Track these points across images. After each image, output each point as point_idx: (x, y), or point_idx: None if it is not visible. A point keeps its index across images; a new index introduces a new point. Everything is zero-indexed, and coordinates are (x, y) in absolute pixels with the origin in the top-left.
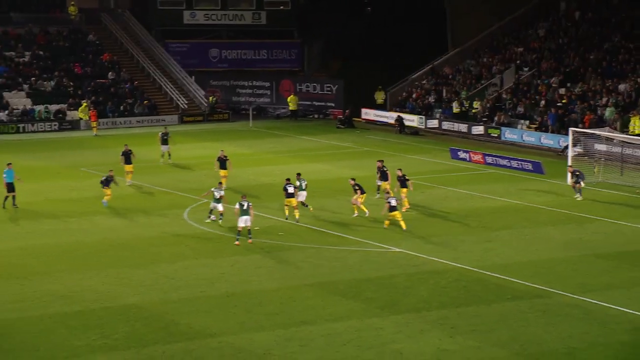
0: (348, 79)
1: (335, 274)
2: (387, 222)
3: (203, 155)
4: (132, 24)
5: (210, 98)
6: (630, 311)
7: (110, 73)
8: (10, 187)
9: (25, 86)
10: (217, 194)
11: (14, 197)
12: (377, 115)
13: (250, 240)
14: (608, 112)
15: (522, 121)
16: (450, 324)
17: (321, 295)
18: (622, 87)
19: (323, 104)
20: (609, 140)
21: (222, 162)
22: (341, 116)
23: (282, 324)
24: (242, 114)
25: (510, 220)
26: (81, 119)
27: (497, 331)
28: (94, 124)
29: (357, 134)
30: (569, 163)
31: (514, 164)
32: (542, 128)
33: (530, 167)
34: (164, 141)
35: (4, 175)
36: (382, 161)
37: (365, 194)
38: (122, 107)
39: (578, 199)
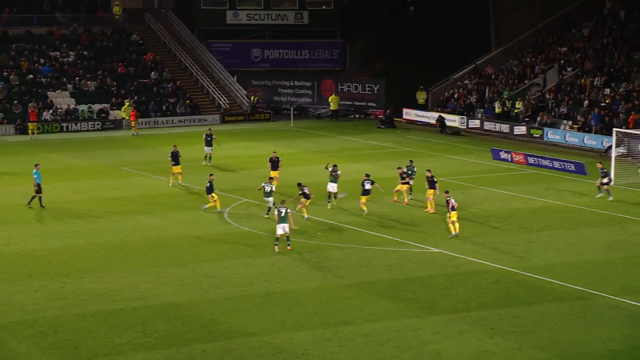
0: (389, 79)
1: (374, 274)
2: (450, 225)
3: (244, 154)
4: (175, 24)
5: (252, 98)
6: None
7: (153, 73)
8: (39, 188)
9: (69, 86)
10: (267, 188)
11: (40, 198)
12: (418, 116)
13: (289, 247)
14: None
15: (565, 121)
16: (490, 325)
17: (360, 295)
18: None
19: (364, 103)
20: None
21: (274, 163)
22: (382, 116)
23: (321, 323)
24: (283, 113)
25: (551, 221)
26: (124, 118)
27: (538, 333)
28: (133, 124)
29: (398, 134)
30: (612, 163)
31: (556, 164)
32: (585, 128)
33: (572, 167)
34: (208, 142)
35: (34, 176)
36: (411, 161)
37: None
38: (164, 107)
39: (609, 199)
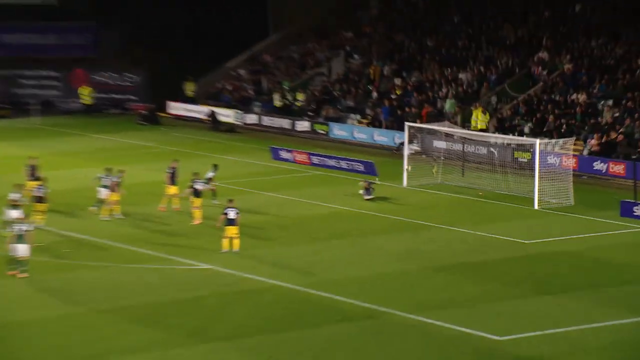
0: (152, 68)
1: (133, 297)
2: (225, 241)
3: None
4: None
5: None
6: (473, 332)
7: None
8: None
9: None
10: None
11: None
12: (186, 110)
13: (22, 275)
14: (448, 105)
15: (353, 115)
16: (270, 352)
17: (115, 322)
18: (462, 76)
19: (123, 96)
20: (449, 136)
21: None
22: (144, 111)
23: (67, 359)
24: (26, 109)
25: (339, 229)
26: None
27: (325, 359)
28: None
29: (163, 131)
30: (405, 163)
31: (344, 164)
32: (375, 123)
33: (361, 168)
34: None
35: None
36: (177, 161)
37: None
38: None
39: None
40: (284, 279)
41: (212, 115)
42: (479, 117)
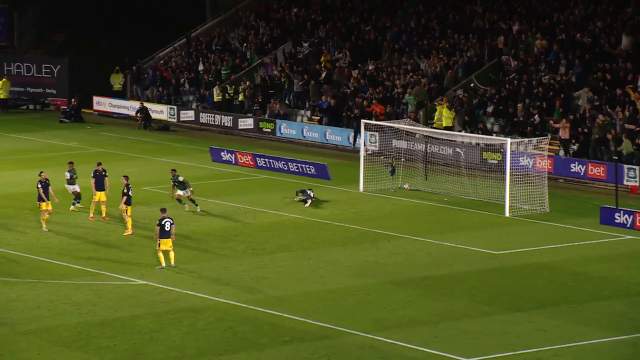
0: (74, 58)
1: (58, 317)
2: (161, 254)
3: None
4: None
5: None
6: (437, 352)
7: None
8: None
9: None
10: None
11: None
12: (114, 106)
13: None
14: (408, 100)
15: (303, 111)
16: None
17: (38, 346)
18: (424, 66)
19: (41, 90)
20: (410, 135)
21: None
22: (66, 107)
23: None
24: None
25: (287, 240)
26: None
27: None
28: None
29: (88, 129)
30: (361, 164)
31: (293, 167)
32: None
33: (312, 170)
34: None
35: None
36: (100, 164)
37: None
38: None
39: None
40: (226, 295)
41: (144, 111)
42: (443, 114)
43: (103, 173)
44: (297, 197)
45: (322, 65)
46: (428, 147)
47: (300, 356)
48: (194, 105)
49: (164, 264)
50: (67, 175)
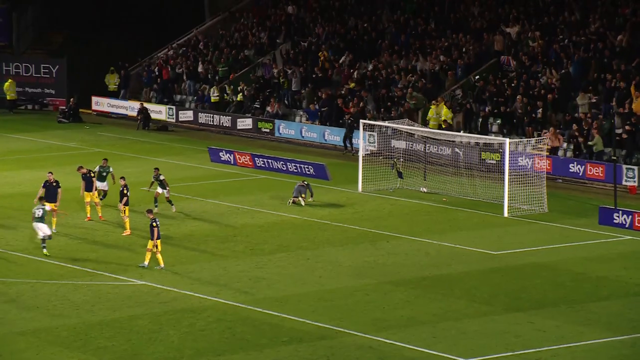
0: (73, 58)
1: (57, 317)
2: (148, 254)
3: None
4: None
5: None
6: (435, 352)
7: None
8: None
9: None
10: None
11: None
12: (112, 106)
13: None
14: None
15: (302, 112)
16: None
17: (37, 346)
18: (421, 66)
19: (39, 90)
20: (409, 135)
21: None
22: (64, 107)
23: None
24: None
25: (286, 240)
26: None
27: None
28: None
29: (87, 129)
30: (360, 164)
31: (291, 167)
32: (326, 122)
33: (311, 171)
34: None
35: None
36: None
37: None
38: None
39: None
40: (225, 296)
41: (144, 111)
42: (441, 114)
43: (89, 175)
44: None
45: (320, 65)
46: (427, 148)
47: (299, 356)
48: (192, 106)
49: (162, 265)
50: (97, 169)
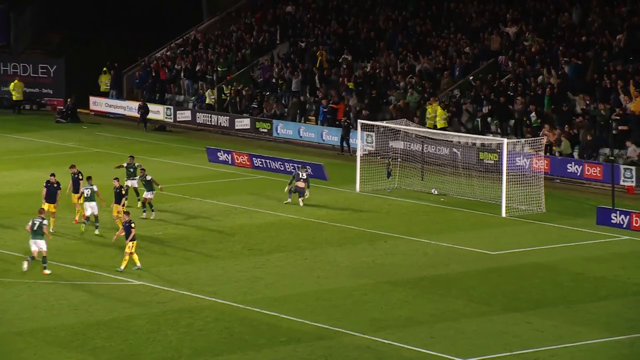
0: (71, 58)
1: (54, 317)
2: (126, 258)
3: None
4: None
5: None
6: (433, 352)
7: None
8: None
9: None
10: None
11: None
12: (110, 106)
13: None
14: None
15: (298, 112)
16: None
17: (34, 346)
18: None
19: (37, 90)
20: (407, 135)
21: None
22: (62, 107)
23: None
24: None
25: (284, 240)
26: None
27: None
28: None
29: (84, 129)
30: (358, 165)
31: (289, 167)
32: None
33: (309, 171)
34: None
35: None
36: (74, 166)
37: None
38: None
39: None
40: (223, 296)
41: (144, 110)
42: (438, 114)
43: (77, 176)
44: (290, 187)
45: (318, 65)
46: (424, 148)
47: (297, 356)
48: (190, 106)
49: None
50: (125, 165)
